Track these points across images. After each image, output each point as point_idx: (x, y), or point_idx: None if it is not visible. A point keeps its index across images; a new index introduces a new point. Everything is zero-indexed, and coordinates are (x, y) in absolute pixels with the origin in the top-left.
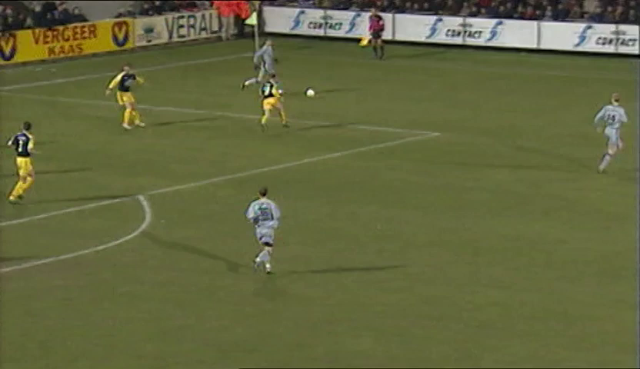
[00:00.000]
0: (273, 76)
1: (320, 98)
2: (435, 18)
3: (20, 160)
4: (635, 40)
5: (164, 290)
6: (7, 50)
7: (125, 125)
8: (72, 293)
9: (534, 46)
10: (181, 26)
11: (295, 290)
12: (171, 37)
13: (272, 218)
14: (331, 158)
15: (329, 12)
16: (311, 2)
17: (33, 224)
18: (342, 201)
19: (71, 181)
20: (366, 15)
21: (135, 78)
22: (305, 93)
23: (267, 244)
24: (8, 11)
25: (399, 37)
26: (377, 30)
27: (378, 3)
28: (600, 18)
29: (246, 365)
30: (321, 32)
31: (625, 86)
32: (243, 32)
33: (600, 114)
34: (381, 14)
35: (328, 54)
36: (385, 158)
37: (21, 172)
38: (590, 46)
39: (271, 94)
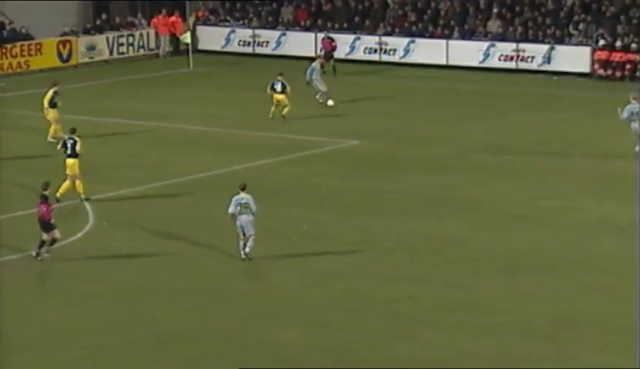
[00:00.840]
0: (307, 83)
1: (255, 109)
2: (353, 36)
3: (68, 161)
4: (533, 57)
5: (104, 286)
6: None
7: (49, 138)
8: (21, 289)
9: (443, 62)
10: (121, 44)
11: (227, 285)
12: (111, 54)
13: (251, 211)
14: (261, 165)
15: (257, 31)
16: (241, 22)
17: None
18: (272, 204)
19: (18, 187)
20: (291, 34)
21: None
22: (326, 103)
23: (248, 234)
24: None
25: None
26: (329, 51)
27: (302, 23)
28: (502, 38)
29: (181, 355)
30: (249, 50)
31: (526, 98)
32: (178, 49)
33: (626, 115)
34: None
35: (256, 69)
36: (311, 165)
37: (68, 172)
38: (493, 62)
39: (282, 92)
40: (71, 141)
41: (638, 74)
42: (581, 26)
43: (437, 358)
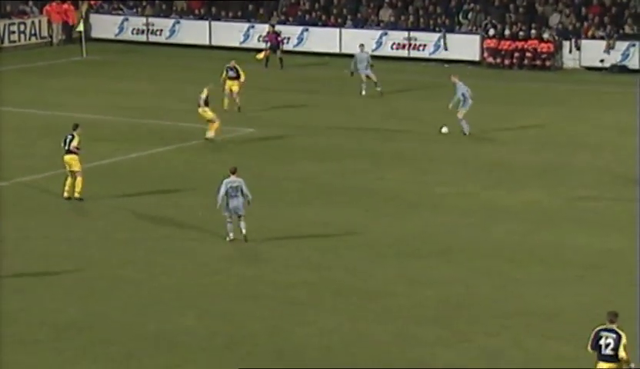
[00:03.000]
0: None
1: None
2: (248, 24)
3: (66, 157)
4: (425, 45)
5: (2, 277)
6: None
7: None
8: None
9: (337, 51)
10: (13, 32)
11: (123, 273)
12: (2, 42)
13: (242, 193)
14: (156, 153)
15: (151, 19)
16: (134, 10)
17: None
18: (167, 192)
19: None
20: (185, 23)
21: None
22: (440, 130)
23: (240, 214)
24: None
25: (214, 42)
26: (275, 44)
27: (196, 12)
28: (394, 26)
29: (79, 343)
30: (143, 38)
31: (417, 85)
32: (71, 37)
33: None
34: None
35: (150, 58)
36: (206, 153)
37: (68, 168)
38: (386, 51)
39: (237, 78)
40: (70, 137)
41: (525, 61)
42: (470, 15)
43: (334, 344)
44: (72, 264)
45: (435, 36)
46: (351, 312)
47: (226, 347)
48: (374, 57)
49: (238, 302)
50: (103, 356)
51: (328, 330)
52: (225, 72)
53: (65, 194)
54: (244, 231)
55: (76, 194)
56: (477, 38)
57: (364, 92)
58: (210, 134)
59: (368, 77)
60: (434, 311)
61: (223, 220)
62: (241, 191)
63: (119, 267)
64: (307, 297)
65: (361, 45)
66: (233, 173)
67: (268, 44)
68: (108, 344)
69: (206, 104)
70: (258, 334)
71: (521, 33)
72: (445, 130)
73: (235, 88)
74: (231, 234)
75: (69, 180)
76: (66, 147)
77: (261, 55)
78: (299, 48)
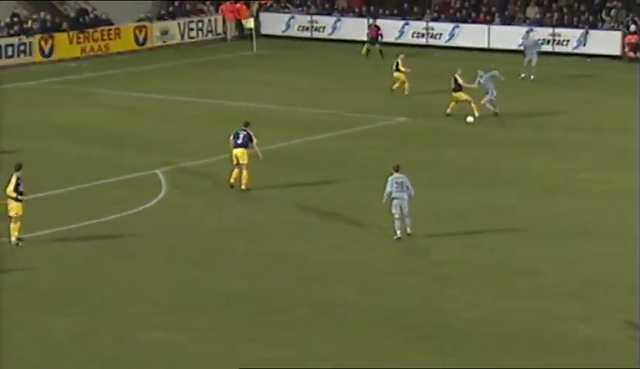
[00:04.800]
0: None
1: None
2: (402, 22)
3: (236, 150)
4: (568, 41)
5: (175, 250)
6: (47, 49)
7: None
8: (98, 252)
9: (485, 46)
10: (191, 29)
11: (286, 249)
12: (182, 38)
13: (407, 190)
14: (316, 140)
15: (315, 17)
16: (300, 9)
17: (65, 196)
18: (327, 176)
19: (97, 159)
20: (346, 20)
21: None
22: (466, 120)
23: (406, 211)
24: (48, 16)
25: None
26: (374, 37)
27: (356, 10)
28: (540, 23)
29: (245, 312)
30: (308, 34)
31: (561, 78)
32: (243, 34)
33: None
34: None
35: (314, 53)
36: (363, 140)
37: (236, 161)
38: None
39: (397, 69)
40: (244, 133)
41: None
42: (612, 12)
43: (480, 317)
44: (240, 241)
45: (578, 32)
46: (497, 289)
47: (382, 320)
48: (520, 52)
49: (392, 278)
50: (268, 324)
51: (474, 305)
52: (395, 64)
53: (231, 181)
54: (409, 230)
55: (242, 186)
56: (618, 34)
57: (522, 75)
58: (470, 118)
59: (529, 62)
60: (576, 288)
61: (391, 217)
62: (406, 186)
63: (283, 244)
64: (456, 274)
65: (529, 31)
66: (397, 170)
67: (369, 37)
68: (273, 314)
69: (460, 88)
70: (411, 308)
71: None
72: (470, 119)
73: (402, 79)
74: (398, 232)
75: (236, 171)
76: (239, 142)
77: (364, 50)
78: (450, 44)
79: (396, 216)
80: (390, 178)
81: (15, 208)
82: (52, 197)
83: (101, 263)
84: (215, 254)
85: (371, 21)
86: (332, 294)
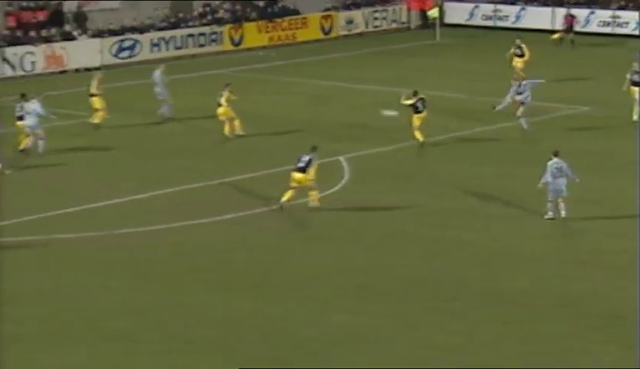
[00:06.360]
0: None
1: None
2: (588, 10)
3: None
4: None
5: (355, 233)
6: (236, 38)
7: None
8: (283, 235)
9: None
10: (376, 18)
11: (460, 236)
12: (367, 27)
13: (565, 175)
14: (497, 128)
15: (499, 6)
16: None
17: (253, 180)
18: (502, 164)
19: (281, 145)
20: (530, 9)
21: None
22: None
23: (562, 196)
24: (237, 7)
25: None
26: (569, 25)
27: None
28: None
29: (425, 297)
30: (491, 23)
31: None
32: (427, 23)
33: None
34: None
35: (497, 41)
36: (540, 128)
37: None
38: None
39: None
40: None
41: None
42: None
43: None
44: (418, 225)
45: None
46: None
47: (556, 308)
48: None
49: (563, 266)
50: (445, 309)
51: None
52: (512, 49)
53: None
54: (563, 213)
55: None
56: None
57: None
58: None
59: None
60: None
61: (545, 198)
62: (565, 171)
63: (456, 229)
64: (626, 263)
65: None
66: (556, 155)
67: (565, 25)
68: (450, 300)
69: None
70: (584, 295)
71: None
72: (499, 107)
73: (520, 65)
74: (550, 213)
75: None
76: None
77: (556, 36)
78: (637, 32)
79: (549, 199)
80: (549, 163)
81: (297, 179)
82: (239, 182)
83: (289, 246)
84: (399, 238)
85: (566, 9)
86: (506, 281)
